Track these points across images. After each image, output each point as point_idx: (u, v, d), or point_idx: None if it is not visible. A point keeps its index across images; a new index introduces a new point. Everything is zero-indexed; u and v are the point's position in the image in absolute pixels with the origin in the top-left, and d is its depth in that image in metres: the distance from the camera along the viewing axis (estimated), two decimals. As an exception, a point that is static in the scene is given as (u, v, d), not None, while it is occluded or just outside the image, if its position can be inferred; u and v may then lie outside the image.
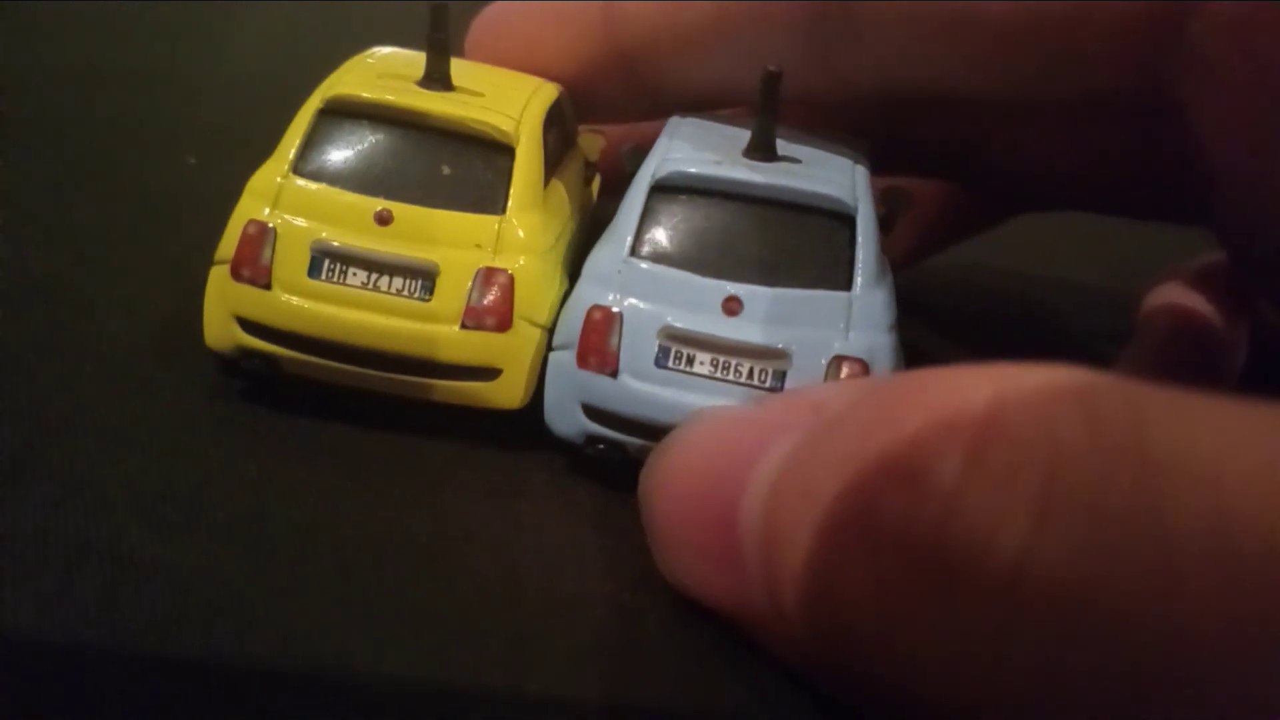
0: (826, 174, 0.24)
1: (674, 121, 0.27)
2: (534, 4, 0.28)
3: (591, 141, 0.30)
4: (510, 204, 0.23)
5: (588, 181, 0.30)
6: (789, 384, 0.22)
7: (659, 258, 0.23)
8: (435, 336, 0.22)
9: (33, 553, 0.19)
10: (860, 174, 0.25)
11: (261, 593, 0.19)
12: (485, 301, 0.23)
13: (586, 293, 0.23)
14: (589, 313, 0.23)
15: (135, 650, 0.17)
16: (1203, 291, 0.30)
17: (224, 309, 0.23)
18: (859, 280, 0.23)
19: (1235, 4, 0.20)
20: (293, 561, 0.20)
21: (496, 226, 0.23)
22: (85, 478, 0.21)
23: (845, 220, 0.23)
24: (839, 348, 0.22)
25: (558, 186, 0.26)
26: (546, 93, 0.26)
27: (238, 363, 0.23)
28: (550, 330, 0.23)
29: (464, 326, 0.23)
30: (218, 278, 0.23)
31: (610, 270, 0.23)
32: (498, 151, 0.24)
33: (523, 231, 0.23)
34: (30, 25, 0.42)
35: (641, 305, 0.23)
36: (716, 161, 0.24)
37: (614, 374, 0.22)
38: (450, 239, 0.23)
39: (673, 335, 0.22)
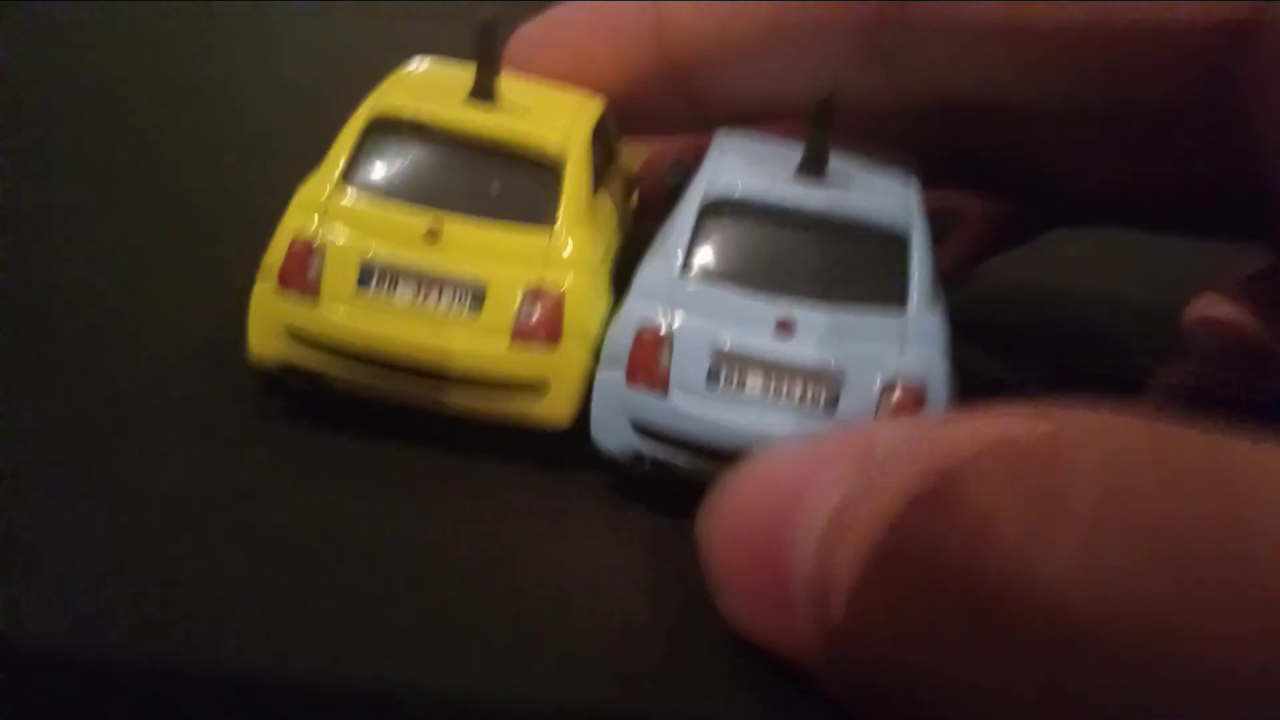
0: (879, 195, 0.24)
1: (721, 137, 0.26)
2: (582, 14, 0.28)
3: (633, 155, 0.29)
4: (559, 220, 0.23)
5: (628, 195, 0.29)
6: (842, 405, 0.22)
7: (710, 276, 0.23)
8: (483, 352, 0.22)
9: (69, 568, 0.19)
10: (914, 192, 0.24)
11: (302, 612, 0.19)
12: (534, 318, 0.22)
13: (636, 309, 0.23)
14: (639, 331, 0.22)
15: (171, 668, 0.17)
16: (1250, 303, 0.29)
17: (270, 321, 0.23)
18: (914, 301, 0.23)
19: None
20: (334, 581, 0.20)
21: (545, 242, 0.23)
22: (124, 494, 0.21)
23: (899, 241, 0.23)
24: (894, 369, 0.22)
25: (603, 201, 0.26)
26: (593, 107, 0.26)
27: (280, 379, 0.23)
28: (598, 347, 0.23)
29: (513, 342, 0.22)
30: (263, 290, 0.23)
31: (661, 287, 0.23)
32: (546, 167, 0.24)
33: (572, 247, 0.23)
34: (60, 31, 0.42)
35: (692, 323, 0.22)
36: (768, 182, 0.24)
37: (664, 392, 0.22)
38: (499, 255, 0.23)
39: (724, 354, 0.22)
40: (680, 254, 0.23)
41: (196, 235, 0.31)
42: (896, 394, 0.22)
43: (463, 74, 0.25)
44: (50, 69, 0.40)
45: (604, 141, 0.27)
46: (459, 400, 0.23)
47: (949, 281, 0.25)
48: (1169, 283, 0.31)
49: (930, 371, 0.22)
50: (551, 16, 0.29)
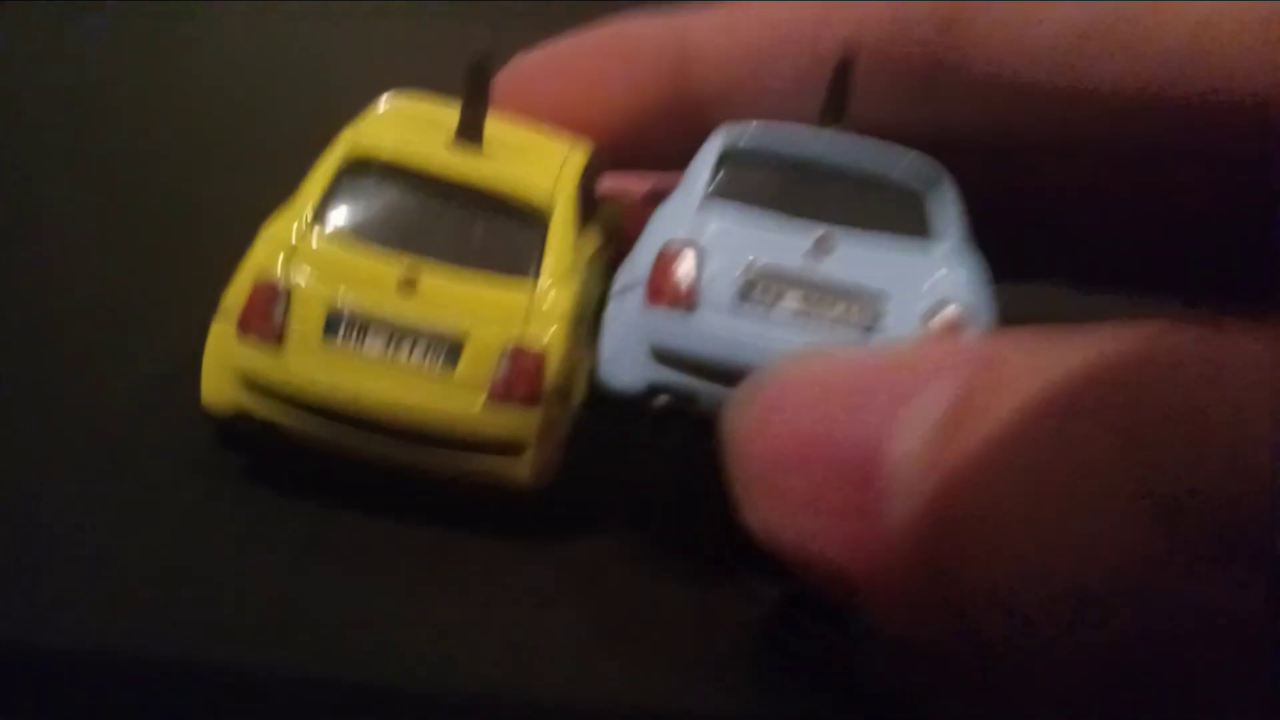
0: (899, 150, 0.23)
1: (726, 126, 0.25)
2: (594, 43, 0.27)
3: (612, 210, 0.28)
4: (543, 274, 0.22)
5: (608, 245, 0.28)
6: (885, 327, 0.21)
7: (739, 201, 0.22)
8: (457, 411, 0.21)
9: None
10: (929, 160, 0.24)
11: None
12: (514, 377, 0.21)
13: (659, 229, 0.22)
14: (663, 247, 0.21)
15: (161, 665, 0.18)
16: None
17: (226, 368, 0.21)
18: (952, 234, 0.22)
19: None
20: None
21: (527, 296, 0.22)
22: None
23: (928, 183, 0.23)
24: (940, 292, 0.21)
25: (584, 252, 0.25)
26: (580, 154, 0.25)
27: (233, 426, 0.22)
28: (576, 411, 0.22)
29: (489, 402, 0.21)
30: (221, 333, 0.21)
31: (683, 211, 0.22)
32: (531, 218, 0.22)
33: (555, 303, 0.22)
34: (47, 30, 0.40)
35: (723, 237, 0.21)
36: (788, 128, 0.23)
37: (690, 309, 0.21)
38: (477, 308, 0.21)
39: (757, 272, 0.21)
40: (703, 186, 0.22)
41: (180, 241, 0.30)
42: (944, 317, 0.21)
43: (445, 113, 0.24)
44: (38, 69, 0.38)
45: (587, 188, 0.26)
46: (428, 461, 0.21)
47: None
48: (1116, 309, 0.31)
49: (977, 298, 0.21)
50: (558, 46, 0.27)
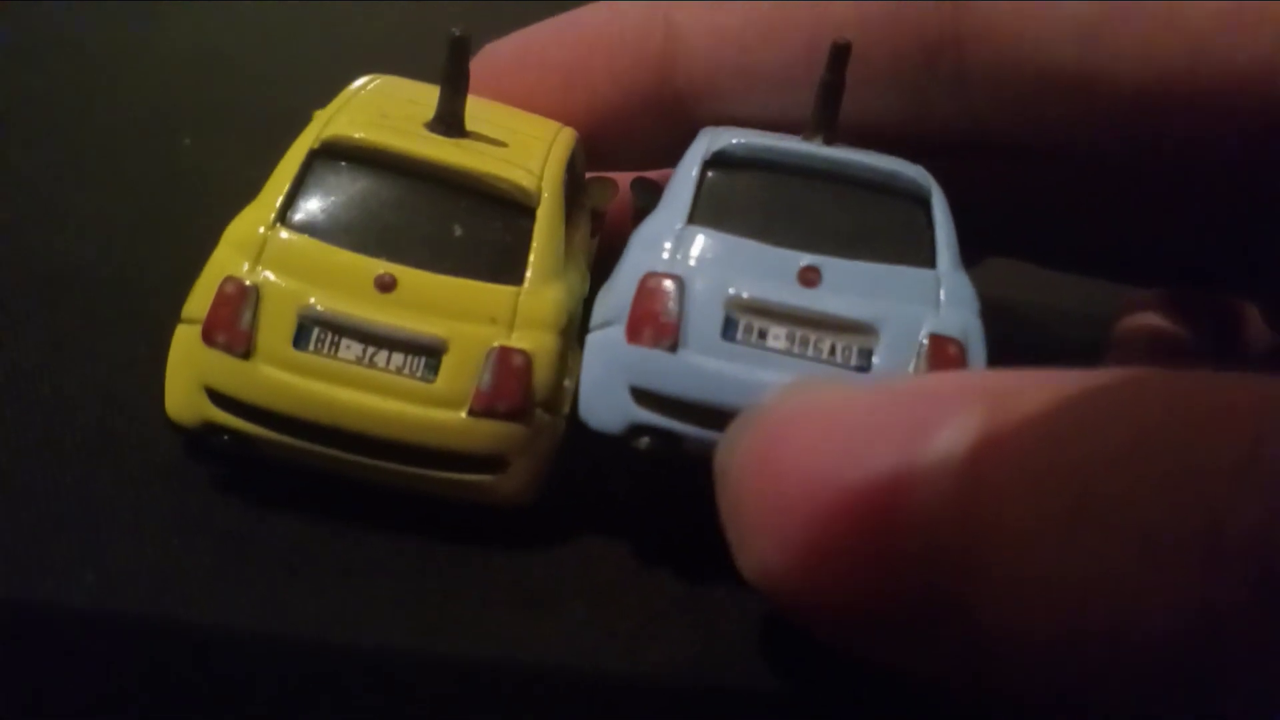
0: (894, 161, 0.22)
1: (710, 129, 0.24)
2: (574, 33, 0.25)
3: (602, 190, 0.27)
4: (530, 273, 0.21)
5: (593, 234, 0.27)
6: (877, 362, 0.20)
7: (721, 226, 0.21)
8: (438, 423, 0.20)
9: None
10: (924, 171, 0.22)
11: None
12: (499, 386, 0.20)
13: (637, 260, 0.21)
14: (643, 280, 0.20)
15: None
16: (1174, 313, 0.30)
17: (192, 377, 0.20)
18: (944, 259, 0.21)
19: None
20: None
21: (514, 299, 0.20)
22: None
23: (920, 201, 0.22)
24: (933, 326, 0.20)
25: (571, 247, 0.23)
26: (565, 140, 0.24)
27: (203, 438, 0.20)
28: (570, 414, 0.21)
29: (472, 413, 0.20)
30: (186, 340, 0.20)
31: (664, 238, 0.21)
32: (517, 211, 0.21)
33: (543, 306, 0.20)
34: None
35: (705, 271, 0.20)
36: (775, 138, 0.22)
37: (672, 348, 0.20)
38: (460, 311, 0.20)
39: (742, 305, 0.20)
40: (685, 206, 0.21)
41: (151, 217, 0.28)
42: (940, 352, 0.20)
43: (423, 96, 0.23)
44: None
45: (573, 177, 0.24)
46: (407, 474, 0.20)
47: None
48: (1099, 292, 0.32)
49: (969, 331, 0.20)
50: (532, 34, 0.26)
